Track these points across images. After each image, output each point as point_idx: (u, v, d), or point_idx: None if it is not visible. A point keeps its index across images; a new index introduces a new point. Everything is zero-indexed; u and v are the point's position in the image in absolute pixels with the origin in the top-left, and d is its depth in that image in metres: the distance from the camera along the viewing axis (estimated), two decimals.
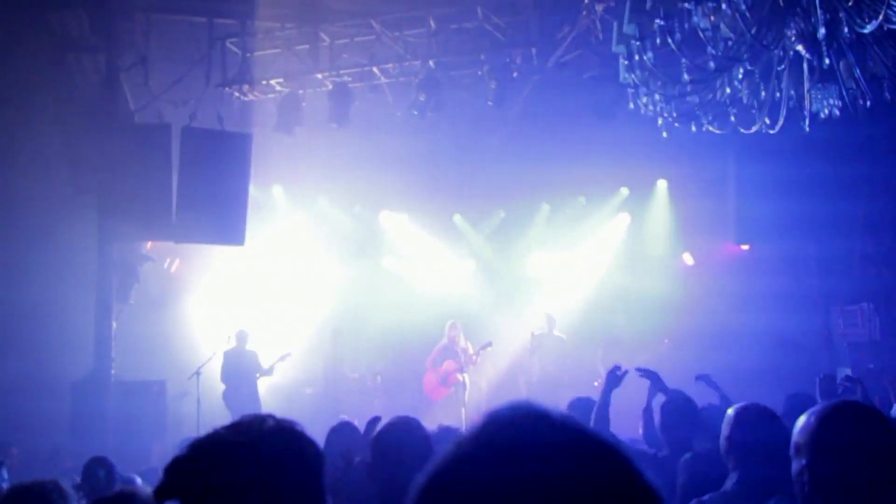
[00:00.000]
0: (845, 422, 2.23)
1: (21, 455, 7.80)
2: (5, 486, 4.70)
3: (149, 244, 10.73)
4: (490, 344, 11.84)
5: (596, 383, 11.75)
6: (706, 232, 12.61)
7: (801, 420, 2.31)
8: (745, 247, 12.05)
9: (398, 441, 2.91)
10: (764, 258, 12.57)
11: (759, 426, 3.11)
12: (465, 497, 0.80)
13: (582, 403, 5.11)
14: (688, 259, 13.45)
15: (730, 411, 3.32)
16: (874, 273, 11.38)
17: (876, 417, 2.27)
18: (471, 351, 11.86)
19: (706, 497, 3.00)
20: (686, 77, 5.46)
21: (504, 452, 0.82)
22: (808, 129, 6.14)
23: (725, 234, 11.49)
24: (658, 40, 4.92)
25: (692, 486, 3.70)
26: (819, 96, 5.28)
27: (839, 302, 11.39)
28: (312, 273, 13.33)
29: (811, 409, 2.32)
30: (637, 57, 5.31)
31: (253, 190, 10.32)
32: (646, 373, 5.08)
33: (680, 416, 4.22)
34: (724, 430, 3.13)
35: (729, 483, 3.03)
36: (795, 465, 2.29)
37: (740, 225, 10.79)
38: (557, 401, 11.33)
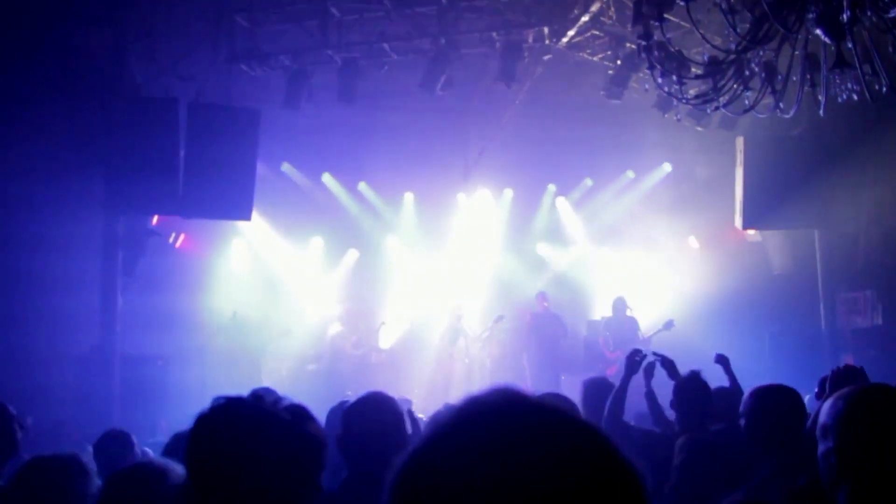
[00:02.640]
0: (875, 405, 2.22)
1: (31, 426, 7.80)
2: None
3: (155, 218, 10.71)
4: (503, 317, 11.92)
5: (599, 365, 11.84)
6: (711, 216, 12.61)
7: (829, 402, 2.31)
8: (750, 232, 12.05)
9: (368, 416, 2.94)
10: (769, 243, 12.59)
11: (782, 406, 3.13)
12: (443, 480, 0.80)
13: (596, 384, 5.11)
14: (693, 243, 13.46)
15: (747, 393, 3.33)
16: (878, 260, 11.38)
17: None
18: (478, 329, 11.93)
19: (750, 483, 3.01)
20: (703, 60, 5.42)
21: (483, 437, 0.81)
22: (822, 113, 6.13)
23: (731, 218, 11.48)
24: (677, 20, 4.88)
25: (693, 467, 3.71)
26: (837, 81, 5.24)
27: (842, 288, 11.41)
28: (319, 251, 13.34)
29: (840, 392, 2.31)
30: (656, 37, 5.27)
31: (260, 166, 10.29)
32: (663, 360, 5.07)
33: (692, 397, 4.24)
34: (747, 413, 3.15)
35: (765, 469, 3.04)
36: (822, 447, 2.28)
37: (749, 210, 10.76)
38: (556, 378, 11.45)
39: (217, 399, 1.73)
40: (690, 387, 4.28)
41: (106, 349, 9.50)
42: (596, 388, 4.86)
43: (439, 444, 0.83)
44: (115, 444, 4.19)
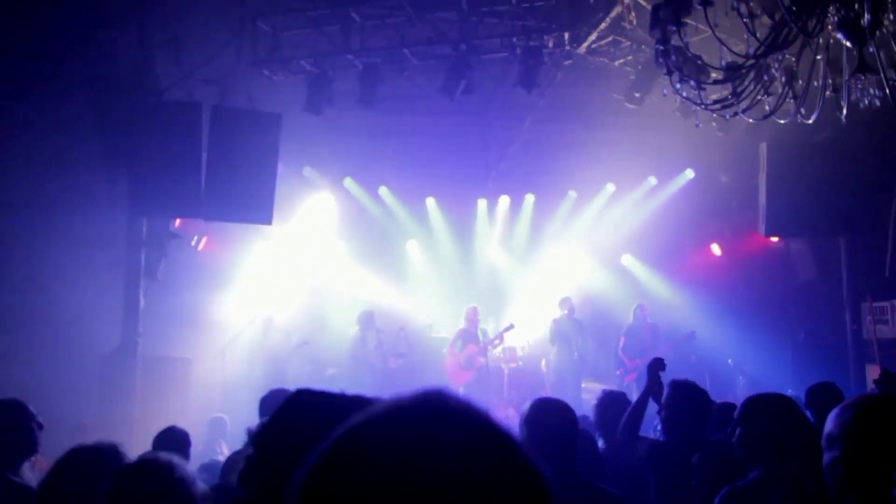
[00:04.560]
0: (883, 415, 2.19)
1: (47, 426, 7.89)
2: None
3: (177, 221, 10.82)
4: (512, 326, 11.87)
5: (618, 372, 11.78)
6: (734, 223, 12.49)
7: (835, 412, 2.28)
8: (774, 239, 11.90)
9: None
10: (793, 251, 12.43)
11: (779, 415, 3.10)
12: (351, 478, 0.79)
13: (611, 397, 5.06)
14: (715, 250, 13.34)
15: (742, 402, 3.30)
16: None
17: None
18: (491, 334, 11.90)
19: (739, 483, 2.98)
20: (723, 63, 5.37)
21: (383, 438, 0.81)
22: (843, 120, 6.04)
23: (754, 225, 11.37)
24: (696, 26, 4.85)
25: (710, 484, 3.67)
26: (859, 86, 5.16)
27: (868, 297, 11.22)
28: (339, 256, 13.40)
29: (846, 401, 2.29)
30: (672, 42, 5.23)
31: (282, 170, 10.36)
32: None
33: (686, 408, 4.16)
34: (743, 422, 3.12)
35: (755, 474, 3.01)
36: (828, 456, 2.26)
37: (772, 217, 10.62)
38: (577, 384, 11.39)
39: (300, 391, 1.68)
40: (683, 399, 4.19)
41: (128, 350, 9.60)
42: (611, 402, 4.82)
43: (343, 442, 0.83)
44: (172, 441, 4.26)
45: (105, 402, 9.30)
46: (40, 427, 4.02)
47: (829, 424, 2.29)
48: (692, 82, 5.66)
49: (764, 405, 3.22)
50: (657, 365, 4.73)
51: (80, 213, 9.29)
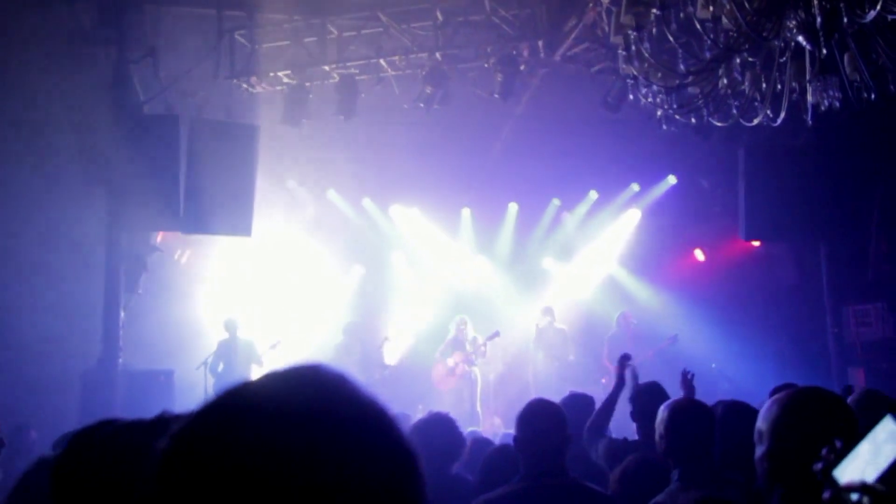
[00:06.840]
0: (807, 408, 2.23)
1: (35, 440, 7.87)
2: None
3: (159, 235, 10.81)
4: (497, 334, 11.88)
5: (604, 380, 11.76)
6: (716, 228, 12.53)
7: (764, 407, 2.31)
8: (755, 243, 11.94)
9: (430, 436, 3.03)
10: (774, 255, 12.47)
11: (694, 423, 3.13)
12: (215, 443, 0.79)
13: (576, 399, 5.10)
14: (698, 255, 13.38)
15: (662, 409, 3.33)
16: (888, 271, 11.22)
17: (838, 403, 2.26)
18: (480, 341, 11.90)
19: (659, 497, 3.00)
20: (683, 68, 5.41)
21: (262, 408, 0.81)
22: (810, 122, 6.09)
23: (736, 230, 11.41)
24: (654, 30, 4.89)
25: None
26: (819, 87, 5.20)
27: (851, 300, 11.25)
28: (323, 267, 13.39)
29: (774, 397, 2.31)
30: (634, 48, 5.27)
31: (264, 182, 10.38)
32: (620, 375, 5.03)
33: (650, 404, 4.19)
34: (659, 427, 3.16)
35: (673, 484, 3.04)
36: (758, 450, 2.29)
37: (750, 221, 10.67)
38: (562, 393, 11.36)
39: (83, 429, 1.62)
40: (648, 395, 4.22)
41: (109, 364, 9.56)
42: (573, 403, 4.85)
43: (208, 413, 0.83)
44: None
45: (87, 416, 9.24)
46: (2, 445, 4.03)
47: (759, 420, 2.33)
48: (655, 87, 5.70)
49: (681, 410, 3.26)
50: (625, 359, 4.81)
51: (58, 228, 9.29)
